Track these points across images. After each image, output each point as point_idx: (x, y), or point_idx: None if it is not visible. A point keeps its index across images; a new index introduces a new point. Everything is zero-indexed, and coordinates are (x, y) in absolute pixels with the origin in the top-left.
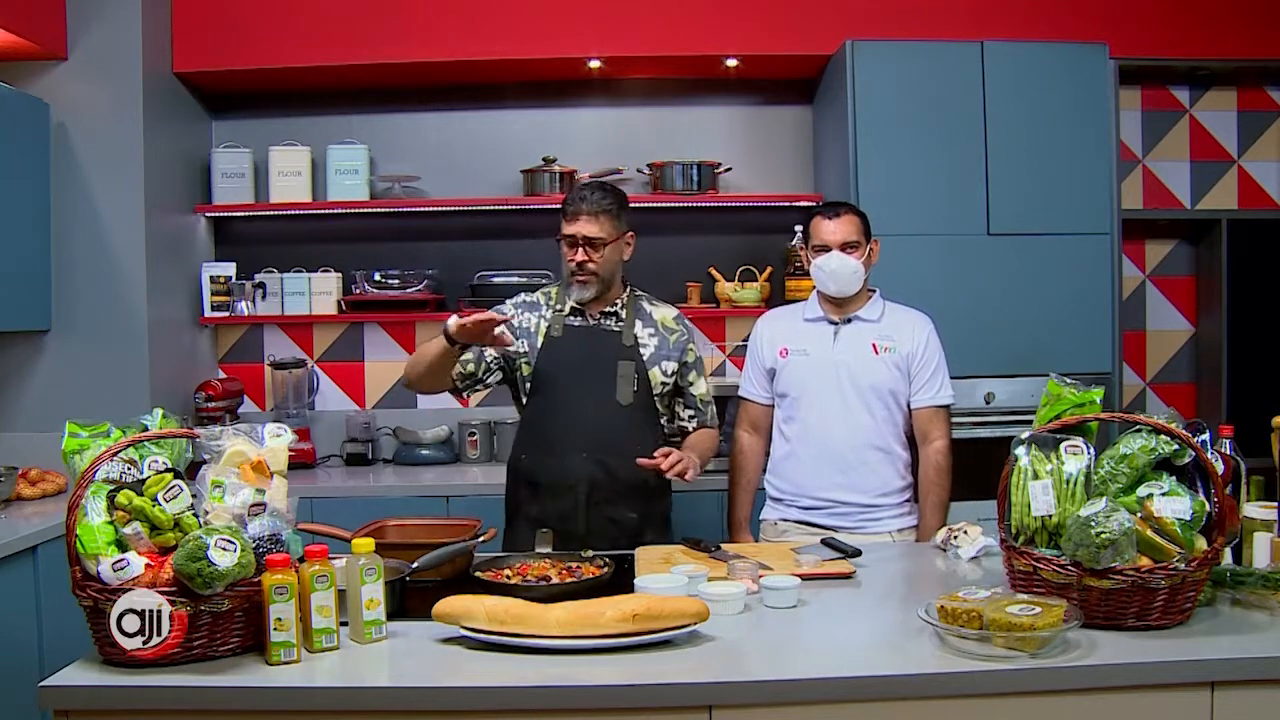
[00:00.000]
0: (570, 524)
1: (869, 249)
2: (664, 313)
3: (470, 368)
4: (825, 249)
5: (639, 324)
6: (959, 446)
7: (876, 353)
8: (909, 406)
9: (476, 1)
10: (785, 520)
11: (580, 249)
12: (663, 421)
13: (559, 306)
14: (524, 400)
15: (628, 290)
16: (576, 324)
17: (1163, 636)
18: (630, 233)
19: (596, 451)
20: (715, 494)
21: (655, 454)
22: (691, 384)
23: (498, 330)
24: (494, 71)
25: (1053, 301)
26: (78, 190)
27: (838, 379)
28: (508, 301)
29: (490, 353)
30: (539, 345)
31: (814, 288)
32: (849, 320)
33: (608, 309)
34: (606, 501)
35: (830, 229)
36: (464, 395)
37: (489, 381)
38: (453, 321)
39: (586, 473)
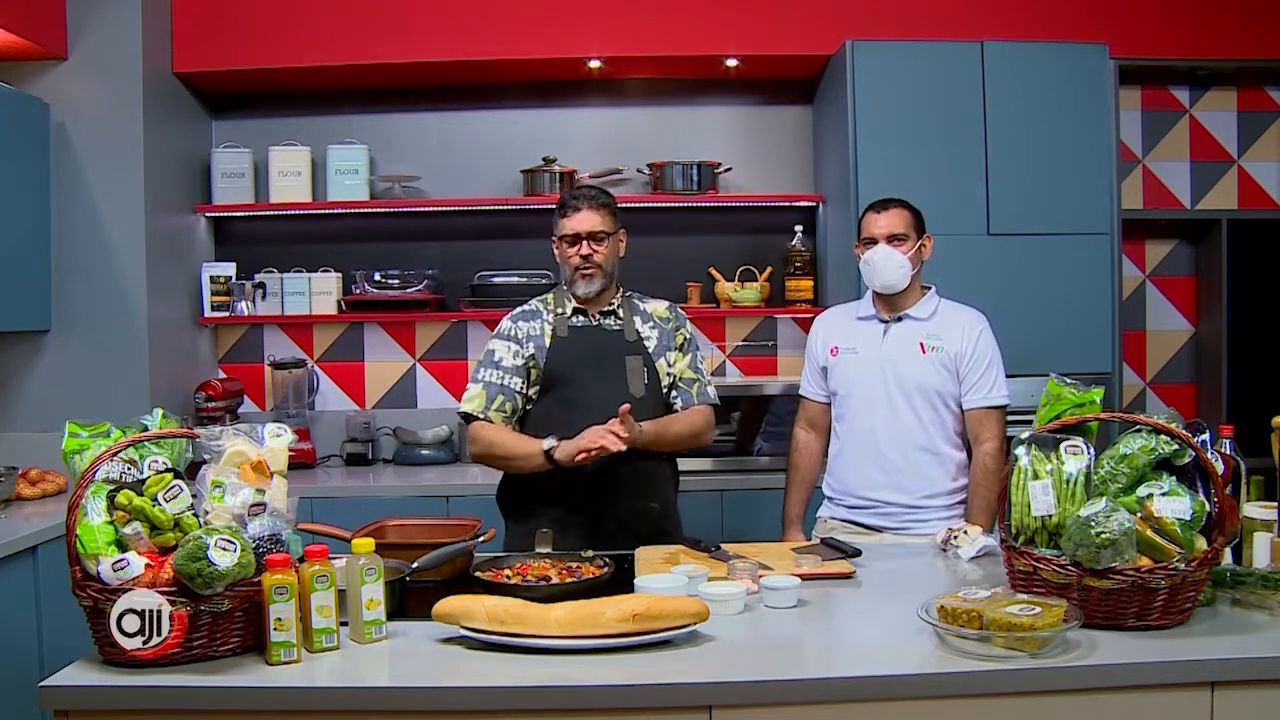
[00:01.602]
0: (600, 519)
1: (919, 244)
2: (656, 306)
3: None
4: (872, 242)
5: (637, 320)
6: None
7: (924, 352)
8: (962, 407)
9: (476, 1)
10: (834, 519)
11: (584, 243)
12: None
13: (559, 310)
14: (531, 401)
15: (620, 291)
16: (580, 324)
17: (1163, 636)
18: (623, 229)
19: None
20: (716, 494)
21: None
22: (673, 363)
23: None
24: (494, 71)
25: (1053, 301)
26: (78, 190)
27: (884, 378)
28: (505, 319)
29: (517, 382)
30: (546, 346)
31: (864, 290)
32: (899, 319)
33: (605, 309)
34: (632, 495)
35: (876, 222)
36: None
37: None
38: (563, 455)
39: (609, 466)
